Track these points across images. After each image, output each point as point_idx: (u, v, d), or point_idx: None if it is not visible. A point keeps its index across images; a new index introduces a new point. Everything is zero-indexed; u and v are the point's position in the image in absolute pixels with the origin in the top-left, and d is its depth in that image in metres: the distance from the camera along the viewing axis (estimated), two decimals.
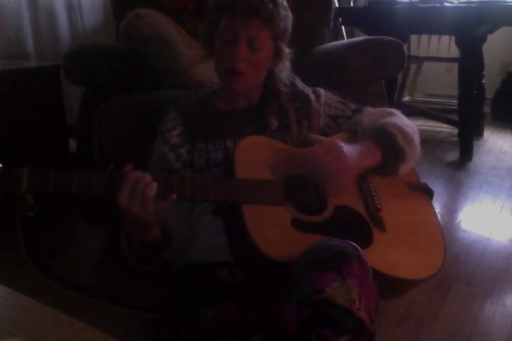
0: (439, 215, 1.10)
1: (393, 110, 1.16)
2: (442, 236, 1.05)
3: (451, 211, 2.26)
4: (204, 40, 1.13)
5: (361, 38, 1.94)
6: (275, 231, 0.91)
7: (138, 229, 0.88)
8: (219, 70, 1.10)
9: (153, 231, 0.89)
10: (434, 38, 3.72)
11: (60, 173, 0.81)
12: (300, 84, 1.18)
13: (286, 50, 1.11)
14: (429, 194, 1.10)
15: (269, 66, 1.11)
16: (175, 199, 0.84)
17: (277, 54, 1.10)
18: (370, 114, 1.14)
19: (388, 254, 0.95)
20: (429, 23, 2.97)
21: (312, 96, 1.15)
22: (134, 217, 0.83)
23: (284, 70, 1.15)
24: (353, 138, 1.09)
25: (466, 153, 2.97)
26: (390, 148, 1.03)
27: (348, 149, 0.98)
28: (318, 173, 0.97)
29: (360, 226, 0.99)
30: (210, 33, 1.09)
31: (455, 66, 3.12)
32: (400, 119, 1.11)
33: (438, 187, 2.52)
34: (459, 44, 2.90)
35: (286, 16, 1.08)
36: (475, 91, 3.01)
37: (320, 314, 0.74)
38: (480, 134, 3.46)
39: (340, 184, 0.98)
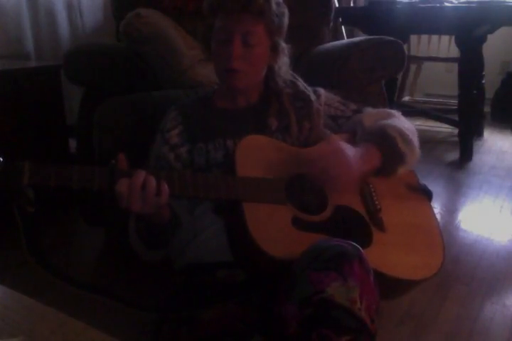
0: (438, 215, 1.10)
1: (393, 111, 1.16)
2: (441, 238, 1.05)
3: (451, 211, 2.25)
4: (202, 44, 1.14)
5: (361, 37, 1.94)
6: (275, 230, 0.91)
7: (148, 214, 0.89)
8: (218, 71, 1.11)
9: (163, 212, 0.92)
10: (434, 37, 3.72)
11: (62, 167, 0.81)
12: (301, 84, 1.17)
13: (284, 44, 1.11)
14: (428, 195, 1.11)
15: (267, 62, 1.11)
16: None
17: (274, 49, 1.10)
18: (371, 115, 1.14)
19: (387, 254, 0.96)
20: (429, 23, 2.97)
21: (313, 96, 1.15)
22: (136, 211, 0.85)
23: (283, 66, 1.15)
24: (352, 139, 1.09)
25: (466, 153, 2.97)
26: (389, 150, 1.03)
27: (349, 152, 0.98)
28: (318, 174, 0.97)
29: (360, 226, 0.99)
30: (207, 36, 1.10)
31: (455, 66, 3.12)
32: (400, 121, 1.10)
33: (438, 187, 2.52)
34: (459, 44, 2.89)
35: (281, 12, 1.08)
36: (475, 91, 3.01)
37: (321, 314, 0.74)
38: (480, 134, 3.45)
39: (339, 186, 0.98)
